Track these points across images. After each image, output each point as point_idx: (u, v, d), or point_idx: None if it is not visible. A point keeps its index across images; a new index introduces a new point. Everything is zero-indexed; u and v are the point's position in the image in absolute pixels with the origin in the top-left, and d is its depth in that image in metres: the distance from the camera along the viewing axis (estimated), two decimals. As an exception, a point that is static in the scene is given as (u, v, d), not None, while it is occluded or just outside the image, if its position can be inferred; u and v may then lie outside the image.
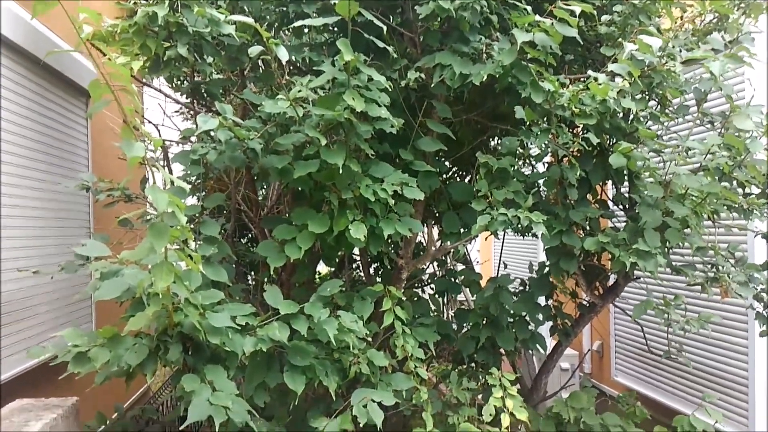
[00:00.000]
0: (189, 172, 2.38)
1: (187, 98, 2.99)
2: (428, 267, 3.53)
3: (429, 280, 3.50)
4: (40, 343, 3.25)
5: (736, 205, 2.64)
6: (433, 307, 3.22)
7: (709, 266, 2.69)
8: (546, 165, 2.93)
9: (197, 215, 2.53)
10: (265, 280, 2.85)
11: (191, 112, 3.24)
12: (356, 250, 3.67)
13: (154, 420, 2.89)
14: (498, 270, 3.30)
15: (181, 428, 1.87)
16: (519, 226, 2.41)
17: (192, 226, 2.34)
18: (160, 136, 3.09)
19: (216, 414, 1.84)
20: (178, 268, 1.80)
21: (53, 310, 3.59)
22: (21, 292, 3.23)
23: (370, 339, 2.46)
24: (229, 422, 1.93)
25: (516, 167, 2.58)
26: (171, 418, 2.85)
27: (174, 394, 3.89)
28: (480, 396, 2.93)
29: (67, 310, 3.77)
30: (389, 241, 2.51)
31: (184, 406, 1.91)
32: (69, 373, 1.87)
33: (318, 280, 3.34)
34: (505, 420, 2.47)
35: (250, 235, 4.18)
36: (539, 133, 2.37)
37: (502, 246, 3.98)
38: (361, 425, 2.20)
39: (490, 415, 2.48)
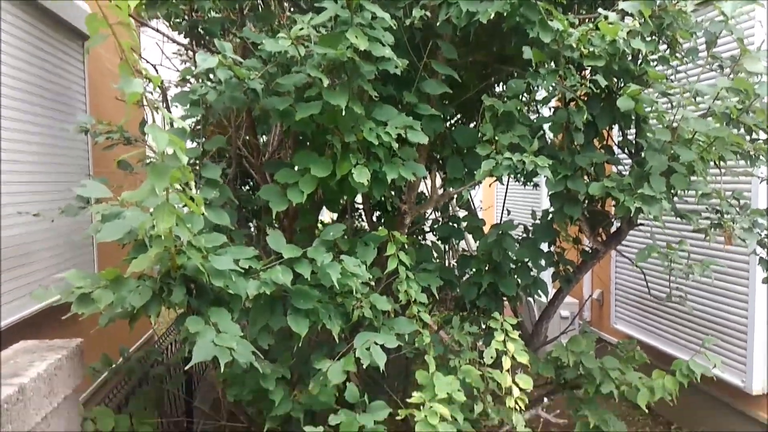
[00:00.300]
0: (189, 113, 2.34)
1: (185, 38, 2.92)
2: (431, 214, 3.52)
3: (432, 227, 3.49)
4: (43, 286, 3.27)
5: (743, 151, 2.61)
6: (435, 255, 3.22)
7: (714, 212, 2.68)
8: (552, 110, 2.88)
9: (198, 159, 2.50)
10: (268, 225, 2.84)
11: (190, 54, 3.17)
12: (359, 198, 3.66)
13: (159, 362, 2.92)
14: (501, 217, 3.28)
15: (185, 368, 1.88)
16: (523, 171, 2.38)
17: (193, 169, 2.32)
18: (158, 75, 3.03)
19: (220, 355, 1.85)
20: (179, 210, 1.78)
21: (56, 255, 3.60)
22: (23, 237, 3.23)
23: (373, 284, 2.46)
24: (234, 363, 1.95)
25: (522, 110, 2.54)
26: (176, 360, 2.88)
27: (178, 338, 3.94)
28: (481, 341, 2.95)
29: (69, 254, 3.77)
30: (392, 186, 2.48)
31: (188, 348, 1.92)
32: (72, 314, 1.87)
33: (321, 228, 3.33)
34: (506, 363, 2.49)
35: (251, 183, 4.15)
36: (546, 75, 2.32)
37: (506, 194, 3.96)
38: (364, 367, 2.22)
39: (491, 357, 2.50)
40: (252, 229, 3.30)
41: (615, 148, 3.13)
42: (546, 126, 2.79)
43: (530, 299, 5.32)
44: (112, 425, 2.38)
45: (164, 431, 2.77)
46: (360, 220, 4.02)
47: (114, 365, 2.64)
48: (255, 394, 2.36)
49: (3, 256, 3.02)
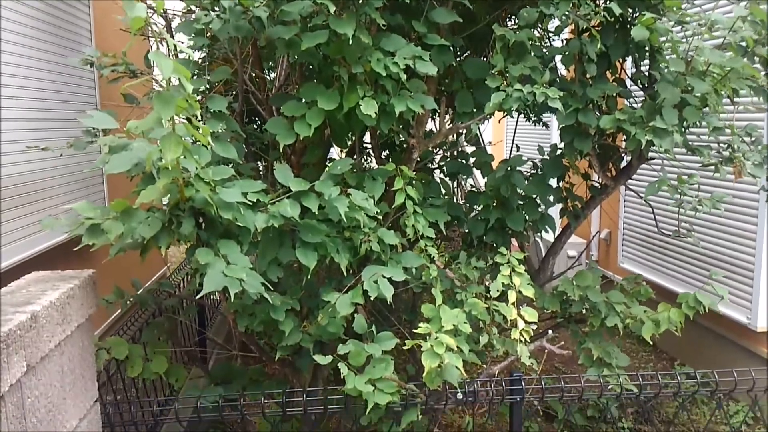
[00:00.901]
0: (193, 43, 2.30)
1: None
2: (439, 151, 3.50)
3: (440, 164, 3.48)
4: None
5: (757, 85, 2.56)
6: (443, 191, 3.22)
7: (725, 146, 2.65)
8: (564, 42, 2.82)
9: (203, 91, 2.48)
10: (275, 161, 2.84)
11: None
12: (367, 138, 3.63)
13: (171, 294, 2.97)
14: (510, 153, 3.26)
15: (197, 297, 1.91)
16: (534, 104, 2.35)
17: (199, 103, 2.30)
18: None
19: (230, 285, 1.88)
20: (186, 142, 1.78)
21: (67, 192, 3.62)
22: (32, 174, 3.24)
23: (380, 218, 2.47)
24: (244, 294, 1.98)
25: (534, 41, 2.48)
26: (188, 292, 2.93)
27: (190, 272, 4.01)
28: (488, 276, 2.98)
29: (80, 190, 3.80)
30: (400, 119, 2.45)
31: (198, 280, 1.95)
32: (83, 246, 1.90)
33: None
34: (512, 296, 2.52)
35: (259, 121, 4.13)
36: (560, 3, 2.26)
37: (515, 129, 3.92)
38: (371, 299, 2.25)
39: (497, 291, 2.52)
40: (261, 168, 3.29)
41: (628, 82, 3.07)
42: (558, 58, 2.73)
43: (538, 239, 5.35)
44: (126, 354, 2.44)
45: (177, 360, 2.84)
46: (368, 161, 4.01)
47: (126, 297, 2.68)
48: (265, 325, 2.40)
49: (13, 193, 3.04)
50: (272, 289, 2.19)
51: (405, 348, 2.27)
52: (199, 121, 1.78)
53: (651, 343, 3.31)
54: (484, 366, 2.78)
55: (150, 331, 2.71)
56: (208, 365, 3.52)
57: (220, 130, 2.30)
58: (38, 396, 1.54)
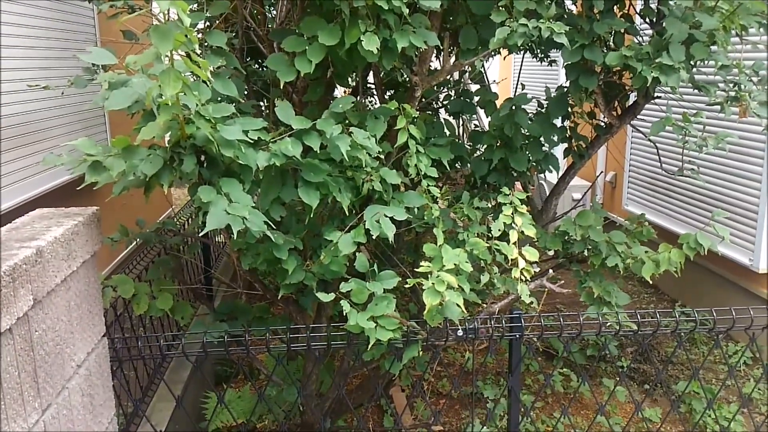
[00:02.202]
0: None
1: None
2: (443, 90, 3.45)
3: (443, 103, 3.44)
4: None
5: (766, 22, 2.50)
6: (447, 132, 3.19)
7: (731, 84, 2.60)
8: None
9: (203, 30, 2.44)
10: (277, 98, 2.81)
11: None
12: (371, 78, 3.59)
13: (175, 232, 3.00)
14: (515, 91, 3.22)
15: (200, 234, 1.93)
16: (539, 39, 2.30)
17: (199, 39, 2.26)
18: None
19: (233, 223, 1.89)
20: (186, 78, 1.76)
21: (69, 132, 3.61)
22: (34, 114, 3.23)
23: (383, 157, 2.46)
24: (247, 233, 1.99)
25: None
26: (191, 230, 2.96)
27: (194, 211, 4.03)
28: (491, 216, 2.98)
29: (82, 129, 3.79)
30: (403, 56, 2.41)
31: (201, 218, 1.96)
32: (86, 185, 1.90)
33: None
34: (513, 236, 2.53)
35: (260, 61, 4.07)
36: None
37: (521, 66, 3.86)
38: (374, 238, 2.27)
39: (499, 230, 2.53)
40: (263, 107, 3.27)
41: (637, 19, 3.01)
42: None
43: (542, 181, 5.33)
44: (132, 292, 2.48)
45: (184, 299, 2.88)
46: (372, 102, 3.97)
47: (132, 236, 2.71)
48: (269, 263, 2.43)
49: (15, 133, 3.04)
50: (275, 228, 2.21)
51: (407, 287, 2.30)
52: (198, 56, 1.76)
53: (651, 283, 3.34)
54: (485, 305, 2.81)
55: (155, 268, 2.74)
56: (214, 303, 3.57)
57: (219, 67, 2.27)
58: (45, 330, 1.57)
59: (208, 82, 1.92)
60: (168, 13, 1.66)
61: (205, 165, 2.05)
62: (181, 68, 1.73)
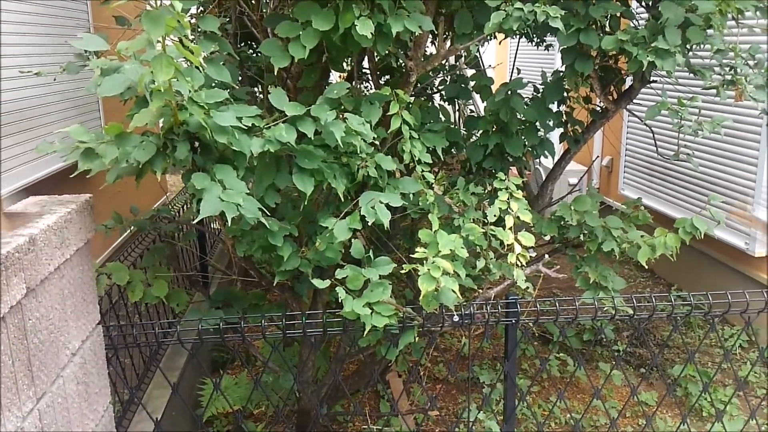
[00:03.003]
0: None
1: None
2: (438, 75, 3.43)
3: (438, 88, 3.42)
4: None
5: (763, 5, 2.49)
6: (443, 117, 3.18)
7: (727, 68, 2.59)
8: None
9: (196, 15, 2.41)
10: (271, 85, 2.79)
11: None
12: (365, 63, 3.56)
13: (170, 219, 2.99)
14: (511, 75, 3.20)
15: (194, 222, 1.92)
16: (535, 23, 2.28)
17: (191, 25, 2.24)
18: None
19: (227, 209, 1.88)
20: (179, 64, 1.74)
21: (62, 119, 3.58)
22: (26, 101, 3.20)
23: (378, 144, 2.45)
24: (242, 219, 1.99)
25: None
26: (185, 218, 2.94)
27: (189, 198, 4.02)
28: (486, 202, 2.98)
29: (75, 116, 3.76)
30: (397, 41, 2.39)
31: (196, 205, 1.95)
32: (80, 172, 1.89)
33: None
34: (509, 221, 2.52)
35: (254, 46, 4.04)
36: None
37: (516, 51, 3.84)
38: (369, 224, 2.26)
39: (494, 216, 2.53)
40: (257, 93, 3.25)
41: (633, 4, 2.99)
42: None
43: (538, 166, 5.32)
44: (126, 279, 2.47)
45: (179, 286, 2.88)
46: (368, 87, 3.95)
47: (126, 223, 2.70)
48: (264, 250, 2.42)
49: (7, 120, 3.01)
50: (270, 214, 2.20)
51: (403, 273, 2.29)
52: (191, 41, 1.74)
53: (647, 268, 3.35)
54: (480, 290, 2.81)
55: (150, 255, 2.74)
56: (209, 291, 3.57)
57: (213, 53, 2.25)
58: (39, 318, 1.57)
59: (201, 68, 1.90)
60: (159, -1, 1.64)
61: (198, 152, 2.04)
62: (174, 54, 1.71)
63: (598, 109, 3.12)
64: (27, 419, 1.47)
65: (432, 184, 2.57)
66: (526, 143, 3.03)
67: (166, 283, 2.59)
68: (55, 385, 1.64)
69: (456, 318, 2.38)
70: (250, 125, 2.06)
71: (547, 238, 3.07)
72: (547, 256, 2.75)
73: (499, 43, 4.39)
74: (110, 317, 2.67)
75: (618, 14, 2.65)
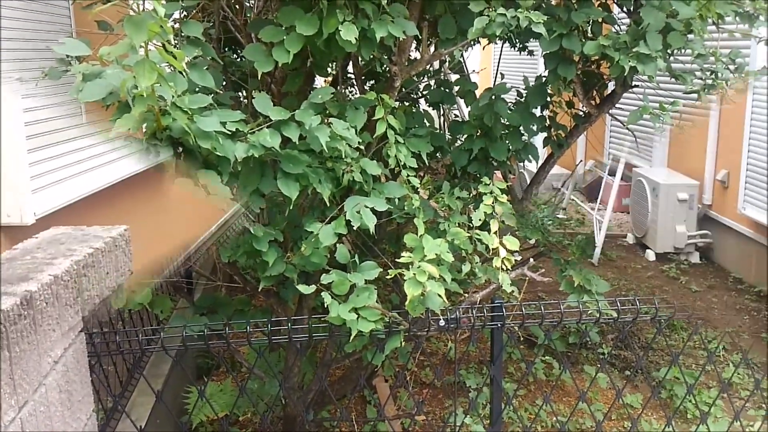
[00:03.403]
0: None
1: None
2: (423, 80, 3.44)
3: (423, 93, 3.43)
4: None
5: (742, 10, 2.53)
6: (427, 123, 3.19)
7: (708, 73, 2.63)
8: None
9: (180, 20, 2.39)
10: (255, 90, 2.78)
11: None
12: (350, 68, 3.56)
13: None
14: (495, 81, 3.22)
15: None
16: (518, 29, 2.30)
17: (174, 30, 2.23)
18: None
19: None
20: (162, 69, 1.73)
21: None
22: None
23: (363, 148, 2.45)
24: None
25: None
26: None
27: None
28: (471, 206, 2.99)
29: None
30: (382, 46, 2.40)
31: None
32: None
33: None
34: (494, 225, 2.54)
35: (238, 51, 4.03)
36: None
37: (500, 56, 3.87)
38: (355, 228, 2.26)
39: (480, 220, 2.54)
40: (241, 98, 3.23)
41: (615, 9, 3.02)
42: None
43: (522, 170, 5.34)
44: (110, 287, 2.44)
45: (162, 292, 2.86)
46: (352, 92, 3.94)
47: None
48: (249, 256, 2.41)
49: None
50: (254, 220, 2.19)
51: (388, 277, 2.29)
52: (174, 46, 1.73)
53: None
54: (466, 295, 2.82)
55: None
56: (194, 297, 3.55)
57: (196, 58, 2.24)
58: (22, 326, 1.54)
59: (184, 73, 1.89)
60: (143, 3, 1.64)
61: (182, 157, 2.03)
62: (157, 59, 1.70)
63: (581, 113, 3.15)
64: (9, 428, 1.45)
65: (417, 188, 2.57)
66: (511, 147, 3.04)
67: (150, 289, 2.57)
68: (37, 393, 1.61)
69: (442, 322, 2.38)
70: (234, 130, 2.05)
71: (532, 241, 3.09)
72: (532, 259, 2.77)
73: (483, 48, 4.41)
74: (93, 323, 2.64)
75: (600, 20, 2.68)
